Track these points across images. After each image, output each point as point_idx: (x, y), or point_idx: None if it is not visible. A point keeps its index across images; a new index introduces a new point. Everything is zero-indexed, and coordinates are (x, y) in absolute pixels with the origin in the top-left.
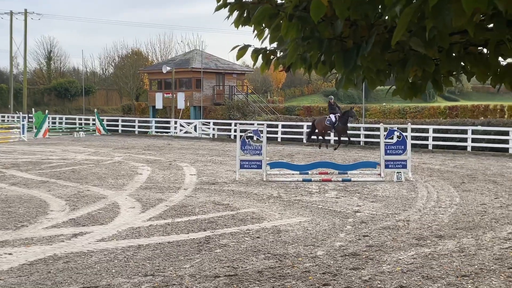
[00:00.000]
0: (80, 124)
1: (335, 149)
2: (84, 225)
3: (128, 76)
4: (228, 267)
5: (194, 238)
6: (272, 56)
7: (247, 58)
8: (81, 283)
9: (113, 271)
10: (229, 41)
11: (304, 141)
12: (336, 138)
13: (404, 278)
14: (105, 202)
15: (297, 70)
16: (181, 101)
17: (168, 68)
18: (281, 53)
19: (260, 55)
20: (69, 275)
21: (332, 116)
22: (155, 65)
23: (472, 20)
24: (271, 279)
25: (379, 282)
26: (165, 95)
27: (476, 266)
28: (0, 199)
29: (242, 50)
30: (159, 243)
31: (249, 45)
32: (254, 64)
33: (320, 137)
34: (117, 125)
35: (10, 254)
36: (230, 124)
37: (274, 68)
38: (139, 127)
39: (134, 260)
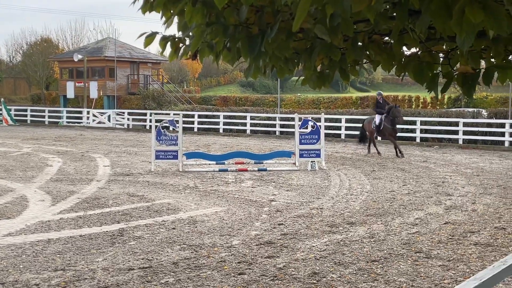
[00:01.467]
0: None
1: (400, 155)
2: None
3: (37, 64)
4: (142, 259)
5: (107, 231)
6: (181, 44)
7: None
8: None
9: (21, 266)
10: (143, 29)
11: (358, 146)
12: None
13: (317, 264)
14: (13, 195)
15: (206, 58)
16: (93, 90)
17: (80, 57)
18: (190, 41)
19: (169, 43)
20: None
21: (378, 117)
22: (66, 53)
23: (372, 7)
24: (186, 270)
25: (293, 269)
26: (77, 84)
27: (385, 251)
28: None
29: (150, 37)
30: (70, 237)
31: (157, 32)
32: (162, 52)
33: (368, 143)
34: (25, 115)
35: None
36: (145, 114)
37: (182, 57)
38: (50, 117)
39: (43, 254)
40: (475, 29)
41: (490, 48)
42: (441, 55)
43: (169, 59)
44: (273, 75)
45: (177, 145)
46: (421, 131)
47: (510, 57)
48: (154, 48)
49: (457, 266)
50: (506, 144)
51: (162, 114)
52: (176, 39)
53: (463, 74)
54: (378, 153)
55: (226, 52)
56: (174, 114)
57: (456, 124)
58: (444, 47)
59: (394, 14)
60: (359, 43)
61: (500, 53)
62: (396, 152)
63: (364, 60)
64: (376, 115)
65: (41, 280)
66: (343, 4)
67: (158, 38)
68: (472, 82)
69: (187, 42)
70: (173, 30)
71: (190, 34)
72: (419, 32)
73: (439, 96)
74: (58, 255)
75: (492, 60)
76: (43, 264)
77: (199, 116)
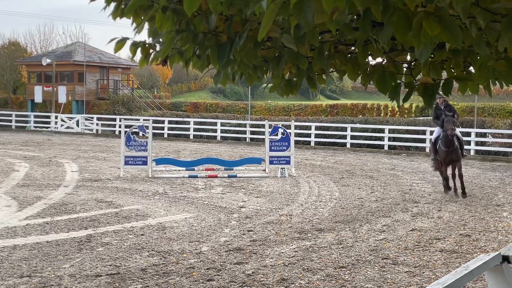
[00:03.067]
0: None
1: (461, 194)
2: None
3: (4, 68)
4: (110, 265)
5: (74, 237)
6: (151, 50)
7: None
8: None
9: None
10: (114, 34)
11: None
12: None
13: (286, 271)
14: None
15: (175, 64)
16: (62, 95)
17: (48, 61)
18: (161, 47)
19: (139, 49)
20: None
21: (436, 131)
22: (34, 56)
23: (333, 19)
24: (154, 276)
25: (262, 275)
26: (45, 88)
27: (353, 258)
28: None
29: (120, 43)
30: (37, 243)
31: (127, 38)
32: (133, 58)
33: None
34: None
35: None
36: (114, 120)
37: (152, 62)
38: (17, 121)
39: (9, 261)
40: (432, 41)
41: (450, 59)
42: (404, 65)
43: (140, 65)
44: (242, 82)
45: (146, 151)
46: (389, 139)
47: (470, 68)
48: (125, 53)
49: (423, 273)
50: (472, 152)
51: (132, 119)
52: (147, 45)
53: (424, 84)
54: (449, 189)
55: (196, 59)
56: (144, 120)
57: (424, 132)
58: (408, 57)
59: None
60: (326, 53)
61: (460, 64)
62: (454, 185)
63: (331, 69)
64: (436, 129)
65: (6, 287)
66: (306, 16)
67: (128, 43)
68: (433, 92)
69: (158, 48)
70: (144, 36)
71: (161, 40)
72: (382, 43)
73: (400, 105)
74: (24, 262)
75: (453, 71)
76: (9, 271)
77: (169, 122)
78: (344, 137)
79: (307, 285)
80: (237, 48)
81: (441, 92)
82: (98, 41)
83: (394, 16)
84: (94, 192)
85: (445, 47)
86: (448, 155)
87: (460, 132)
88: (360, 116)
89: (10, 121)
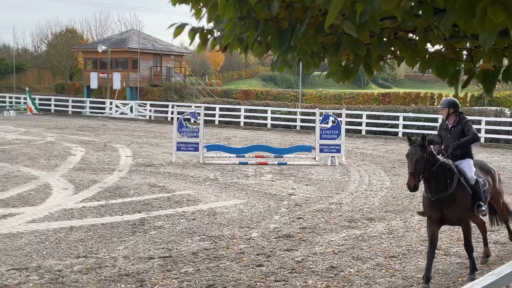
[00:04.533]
0: (11, 102)
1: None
2: (14, 206)
3: (61, 55)
4: (162, 248)
5: (128, 220)
6: (209, 36)
7: (185, 40)
8: (10, 264)
9: (44, 252)
10: (167, 22)
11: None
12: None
13: (335, 259)
14: (37, 183)
15: (234, 51)
16: (117, 81)
17: (104, 47)
18: (218, 33)
19: (197, 35)
20: None
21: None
22: (91, 44)
23: (399, 6)
24: (205, 260)
25: (311, 262)
26: (100, 75)
27: (403, 247)
28: None
29: (179, 28)
30: (92, 225)
31: (186, 24)
32: (191, 43)
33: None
34: (49, 105)
35: None
36: (167, 106)
37: (211, 48)
38: (73, 107)
39: (66, 241)
40: (496, 28)
41: None
42: (464, 52)
43: (197, 50)
44: (294, 71)
45: (198, 137)
46: None
47: None
48: (177, 40)
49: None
50: None
51: (184, 106)
52: (205, 31)
53: (484, 71)
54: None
55: (257, 45)
56: (195, 107)
57: (479, 122)
58: (468, 44)
59: (420, 12)
60: (385, 39)
61: None
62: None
63: (388, 56)
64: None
65: (64, 267)
66: (373, 3)
67: (187, 29)
68: (493, 79)
69: (215, 34)
70: (202, 22)
71: (221, 27)
72: (443, 30)
73: (459, 92)
74: (80, 243)
75: None
76: (66, 251)
77: (221, 109)
78: (396, 126)
79: (356, 273)
80: (298, 35)
81: (453, 98)
82: (152, 29)
83: (457, 3)
84: (147, 177)
85: (508, 34)
86: (433, 208)
87: None
88: (413, 105)
89: (67, 106)
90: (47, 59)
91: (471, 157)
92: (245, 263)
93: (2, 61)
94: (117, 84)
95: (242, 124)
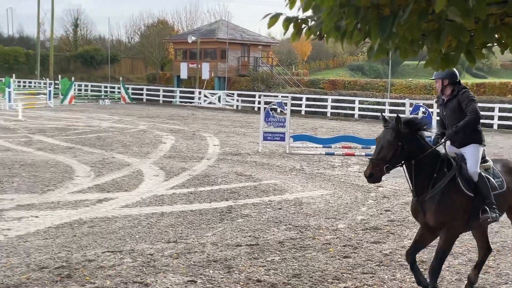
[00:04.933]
0: (106, 91)
1: None
2: (108, 191)
3: (153, 45)
4: (249, 236)
5: (216, 208)
6: (303, 25)
7: (273, 30)
8: (106, 247)
9: (137, 236)
10: (254, 12)
11: None
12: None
13: (424, 253)
14: (130, 170)
15: (329, 40)
16: (205, 71)
17: (194, 38)
18: (313, 22)
19: (292, 24)
20: (94, 239)
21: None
22: (181, 34)
23: None
24: (291, 249)
25: (399, 256)
26: (189, 65)
27: (498, 244)
28: (27, 163)
29: (274, 18)
30: (182, 211)
31: (281, 14)
32: (285, 33)
33: None
34: (141, 94)
35: (36, 217)
36: (254, 96)
37: (306, 37)
38: (164, 96)
39: (157, 226)
40: None
41: None
42: None
43: (291, 39)
44: (383, 60)
45: (284, 127)
46: None
47: None
48: (265, 30)
49: None
50: None
51: (271, 96)
52: (299, 20)
53: None
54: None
55: (356, 32)
56: (282, 97)
57: None
58: None
59: None
60: (490, 25)
61: None
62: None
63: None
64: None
65: (155, 251)
66: None
67: (281, 19)
68: None
69: (310, 23)
70: (294, 12)
71: (320, 15)
72: None
73: None
74: (171, 228)
75: None
76: (157, 236)
77: (307, 99)
78: (491, 117)
79: (447, 268)
80: (400, 22)
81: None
82: (240, 19)
83: None
84: (234, 166)
85: None
86: (415, 209)
87: None
88: (510, 96)
89: (158, 95)
90: (139, 49)
91: (478, 141)
92: (332, 254)
93: (98, 52)
94: (205, 74)
95: (328, 114)
